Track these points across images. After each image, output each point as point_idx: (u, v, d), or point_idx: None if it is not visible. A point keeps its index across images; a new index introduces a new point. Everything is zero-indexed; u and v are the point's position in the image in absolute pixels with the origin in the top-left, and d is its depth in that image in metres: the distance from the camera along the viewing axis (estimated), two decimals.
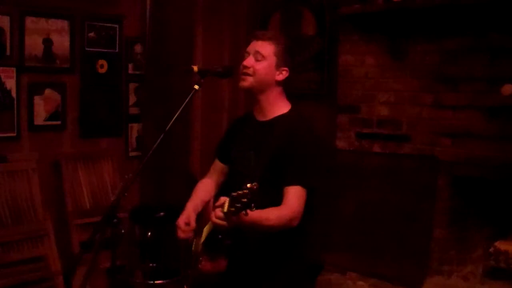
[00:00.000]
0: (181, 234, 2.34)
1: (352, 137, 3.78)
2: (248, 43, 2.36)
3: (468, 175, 3.23)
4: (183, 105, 2.25)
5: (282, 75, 2.31)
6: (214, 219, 2.07)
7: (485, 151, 3.14)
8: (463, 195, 3.35)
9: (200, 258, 2.30)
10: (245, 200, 1.90)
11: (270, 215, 2.13)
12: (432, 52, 3.36)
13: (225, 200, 2.01)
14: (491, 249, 3.19)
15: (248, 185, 1.89)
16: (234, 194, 1.92)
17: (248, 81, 2.29)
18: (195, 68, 2.34)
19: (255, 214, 2.04)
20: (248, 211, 1.92)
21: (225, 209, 1.98)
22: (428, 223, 3.37)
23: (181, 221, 2.35)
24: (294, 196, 2.17)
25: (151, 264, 3.65)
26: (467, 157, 3.21)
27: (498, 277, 3.21)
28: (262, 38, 2.30)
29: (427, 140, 3.41)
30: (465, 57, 3.22)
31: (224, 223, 2.04)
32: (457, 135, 3.28)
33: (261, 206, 2.14)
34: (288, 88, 2.43)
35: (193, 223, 2.33)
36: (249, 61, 2.29)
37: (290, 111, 2.35)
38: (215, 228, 2.17)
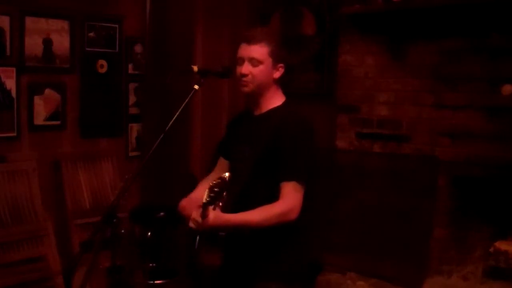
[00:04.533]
0: (184, 211, 2.29)
1: (352, 137, 3.78)
2: (238, 46, 2.29)
3: (468, 175, 3.23)
4: (183, 105, 2.25)
5: (279, 72, 2.30)
6: (190, 223, 2.10)
7: (485, 151, 3.14)
8: (463, 195, 3.35)
9: (197, 251, 2.30)
10: (217, 189, 1.95)
11: (254, 216, 2.12)
12: (432, 52, 3.36)
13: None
14: (491, 249, 3.18)
15: (222, 175, 1.95)
16: (211, 184, 1.97)
17: (249, 87, 2.27)
18: (195, 68, 2.34)
19: (234, 217, 2.09)
20: (218, 210, 2.02)
21: (204, 199, 2.00)
22: (428, 223, 3.37)
23: (183, 201, 2.34)
24: (289, 191, 2.16)
25: (151, 264, 3.64)
26: (467, 157, 3.22)
27: (498, 277, 3.20)
28: (254, 42, 2.24)
29: (427, 140, 3.41)
30: (465, 57, 3.22)
31: (199, 225, 2.05)
32: (457, 135, 3.28)
33: (253, 198, 2.17)
34: (288, 88, 2.43)
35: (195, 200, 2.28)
36: (246, 68, 2.24)
37: (283, 103, 2.34)
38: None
